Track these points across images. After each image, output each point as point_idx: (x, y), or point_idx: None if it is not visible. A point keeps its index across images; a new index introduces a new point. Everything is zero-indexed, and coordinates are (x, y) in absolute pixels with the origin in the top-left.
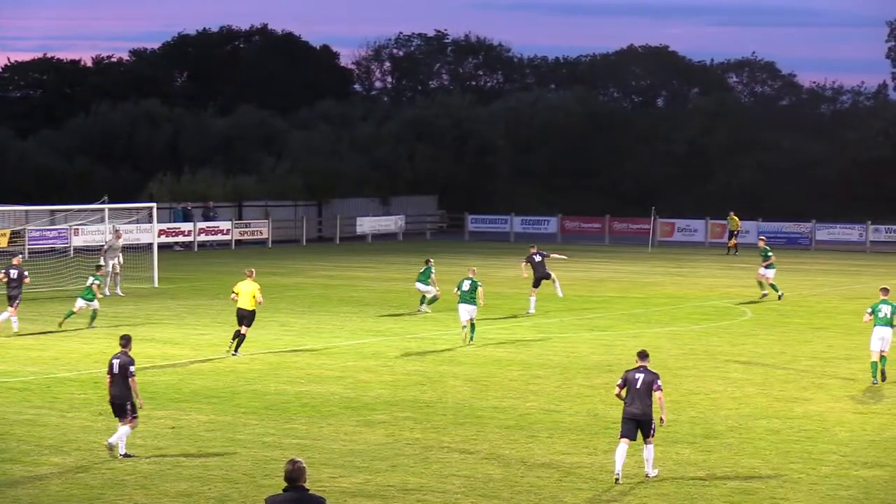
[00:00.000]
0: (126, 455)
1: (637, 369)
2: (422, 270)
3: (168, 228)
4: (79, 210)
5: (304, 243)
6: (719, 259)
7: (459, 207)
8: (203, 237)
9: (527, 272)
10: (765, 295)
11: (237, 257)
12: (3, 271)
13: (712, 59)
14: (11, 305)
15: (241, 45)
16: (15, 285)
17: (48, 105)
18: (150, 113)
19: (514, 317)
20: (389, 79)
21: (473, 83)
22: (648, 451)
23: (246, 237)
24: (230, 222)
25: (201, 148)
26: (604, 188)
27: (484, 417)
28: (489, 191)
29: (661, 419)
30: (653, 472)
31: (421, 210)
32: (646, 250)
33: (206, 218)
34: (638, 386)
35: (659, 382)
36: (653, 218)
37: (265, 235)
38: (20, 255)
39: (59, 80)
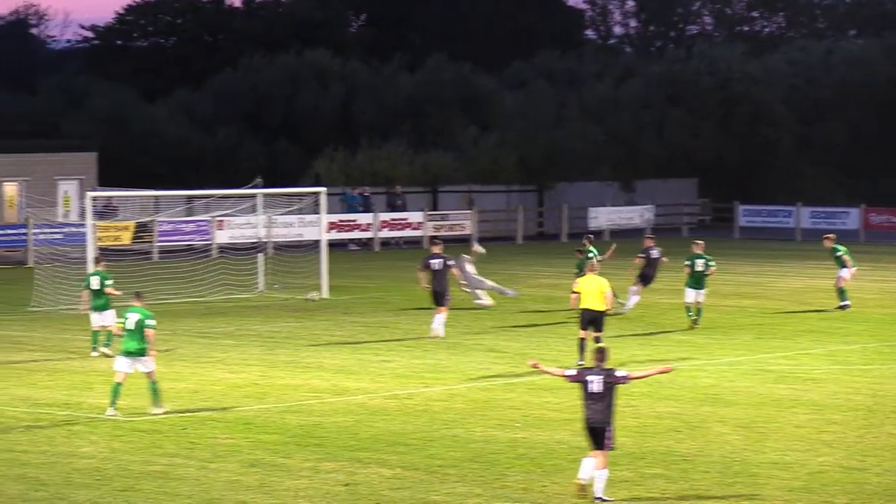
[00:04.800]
0: (601, 499)
1: None
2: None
3: (340, 221)
4: (224, 196)
5: (520, 241)
6: None
7: (727, 195)
8: (386, 232)
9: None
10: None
11: None
12: (423, 261)
13: None
14: (443, 304)
15: None
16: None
17: (183, 59)
18: (316, 68)
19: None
20: (633, 23)
21: (746, 28)
22: None
23: (442, 232)
24: (421, 213)
25: (383, 114)
26: None
27: (760, 476)
28: (767, 173)
29: None
30: None
31: (675, 198)
32: None
33: (392, 207)
34: None
35: None
36: None
37: (468, 230)
38: (441, 243)
39: (198, 26)
